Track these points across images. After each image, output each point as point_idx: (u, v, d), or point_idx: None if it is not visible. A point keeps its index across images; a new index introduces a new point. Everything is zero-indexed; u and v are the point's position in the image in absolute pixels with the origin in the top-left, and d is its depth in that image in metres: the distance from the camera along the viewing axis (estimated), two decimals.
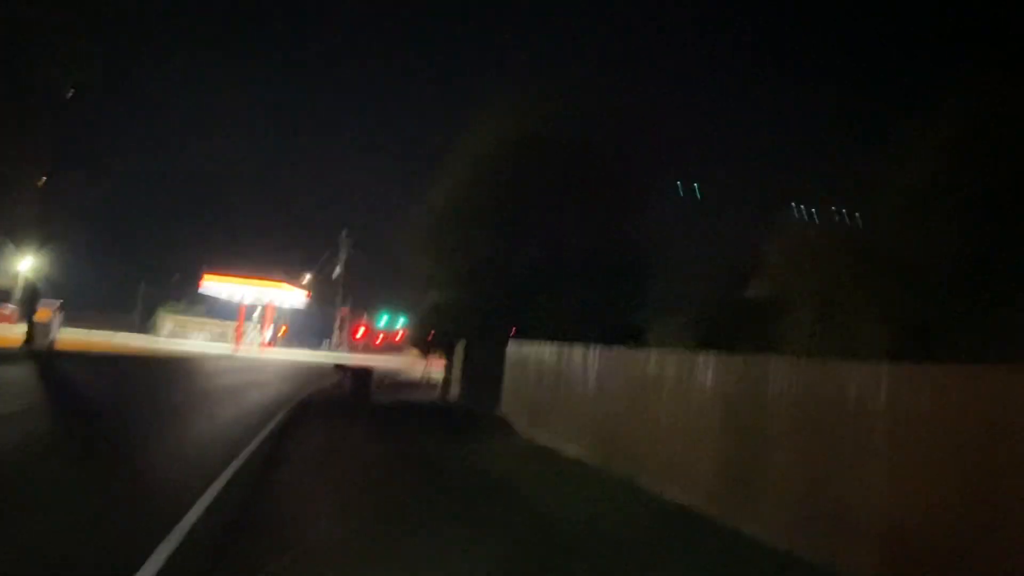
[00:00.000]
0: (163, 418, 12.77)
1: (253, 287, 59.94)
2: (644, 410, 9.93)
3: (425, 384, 27.57)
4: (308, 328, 74.09)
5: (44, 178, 26.25)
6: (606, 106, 20.48)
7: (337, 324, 72.98)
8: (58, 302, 29.40)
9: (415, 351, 32.05)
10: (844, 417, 6.43)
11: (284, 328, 72.27)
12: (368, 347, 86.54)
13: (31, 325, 26.41)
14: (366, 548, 5.94)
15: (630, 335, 16.35)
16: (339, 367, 20.25)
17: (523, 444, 13.37)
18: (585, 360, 12.13)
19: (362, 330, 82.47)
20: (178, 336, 64.11)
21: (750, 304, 13.32)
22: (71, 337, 39.24)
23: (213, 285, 59.82)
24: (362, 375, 19.13)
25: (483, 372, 18.59)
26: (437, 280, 22.29)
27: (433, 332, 23.29)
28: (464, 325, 20.71)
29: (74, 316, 64.94)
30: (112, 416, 12.48)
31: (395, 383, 27.68)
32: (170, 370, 27.60)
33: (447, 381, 23.32)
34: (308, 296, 67.93)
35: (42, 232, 26.53)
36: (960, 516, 5.26)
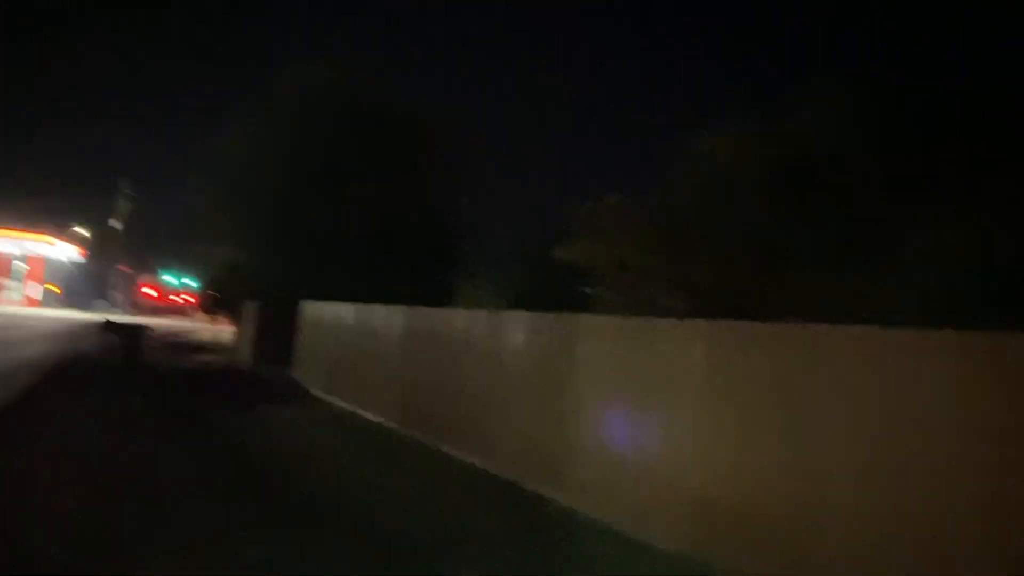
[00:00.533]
0: None
1: (15, 239, 52.90)
2: (448, 371, 9.34)
3: (214, 347, 25.45)
4: (86, 287, 67.04)
5: None
6: (422, 76, 19.90)
7: (115, 282, 66.61)
8: None
9: (205, 313, 29.66)
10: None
11: (54, 286, 64.71)
12: (156, 308, 79.84)
13: None
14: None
15: (440, 298, 15.78)
16: (108, 324, 17.80)
17: (318, 409, 12.39)
18: (388, 320, 11.34)
19: (148, 289, 75.93)
20: None
21: (559, 268, 13.13)
22: None
23: None
24: (133, 333, 17.04)
25: (277, 334, 17.25)
26: (230, 236, 20.44)
27: (222, 292, 21.39)
28: (258, 286, 19.14)
29: None
30: None
31: (180, 345, 25.30)
32: None
33: (237, 344, 21.58)
34: (83, 253, 61.20)
35: None
36: (774, 486, 5.09)
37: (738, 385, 5.49)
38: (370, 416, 11.22)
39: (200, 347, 25.25)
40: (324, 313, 14.61)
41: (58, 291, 64.97)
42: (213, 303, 24.48)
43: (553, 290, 12.76)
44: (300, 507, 6.28)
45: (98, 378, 13.71)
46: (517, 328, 8.12)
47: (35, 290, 58.04)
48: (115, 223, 64.81)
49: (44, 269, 60.70)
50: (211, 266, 22.17)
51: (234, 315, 22.39)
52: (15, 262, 58.26)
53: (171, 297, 72.02)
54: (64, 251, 58.24)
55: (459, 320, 9.45)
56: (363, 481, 7.47)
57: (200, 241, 22.66)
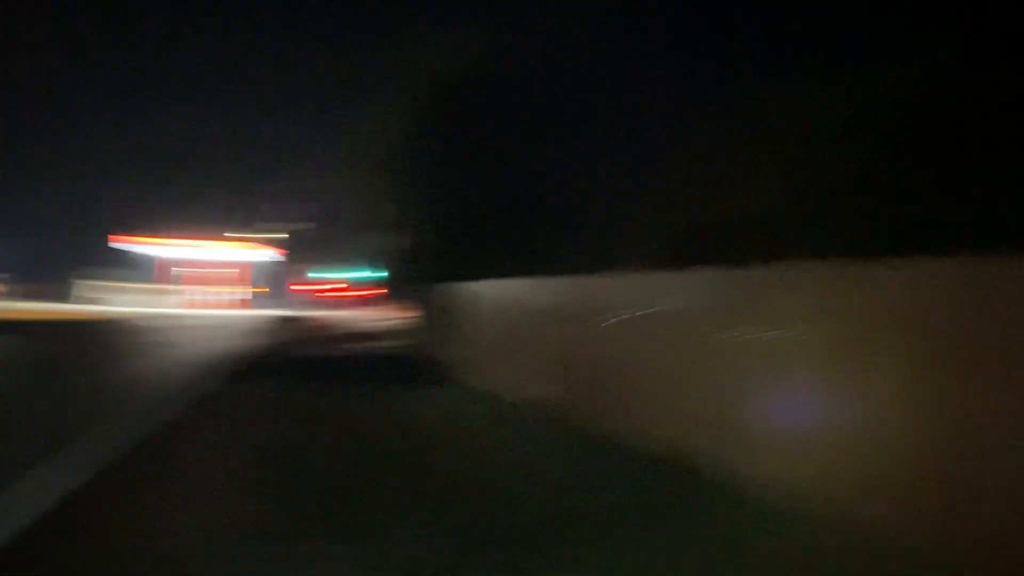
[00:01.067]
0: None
1: (226, 248, 58.02)
2: (613, 343, 8.29)
3: (387, 334, 25.98)
4: (276, 285, 72.20)
5: None
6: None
7: (293, 279, 71.02)
8: None
9: (380, 302, 30.46)
10: None
11: (261, 287, 70.30)
12: (343, 302, 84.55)
13: None
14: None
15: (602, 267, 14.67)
16: (285, 319, 17.90)
17: (479, 389, 11.76)
18: (548, 293, 10.43)
19: (336, 285, 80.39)
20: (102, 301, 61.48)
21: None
22: None
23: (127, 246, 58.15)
24: (304, 324, 17.29)
25: (442, 317, 16.99)
26: (397, 224, 20.51)
27: (394, 280, 21.50)
28: (425, 270, 19.00)
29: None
30: None
31: (355, 333, 26.11)
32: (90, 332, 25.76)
33: (408, 330, 21.71)
34: (283, 253, 65.82)
35: None
36: None
37: (973, 340, 4.08)
38: (534, 395, 10.39)
39: (374, 334, 25.84)
40: (485, 291, 13.98)
41: (266, 291, 70.61)
42: (386, 292, 24.92)
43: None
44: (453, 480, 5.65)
45: (273, 364, 13.99)
46: (690, 288, 6.93)
47: (246, 293, 63.52)
48: (307, 224, 69.19)
49: (251, 273, 66.16)
50: (383, 255, 22.40)
51: (406, 302, 22.57)
52: (227, 269, 64.04)
53: (355, 291, 75.90)
54: (266, 254, 63.18)
55: (627, 285, 8.34)
56: (521, 459, 6.66)
57: (372, 229, 23.05)
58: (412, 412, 9.70)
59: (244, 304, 60.78)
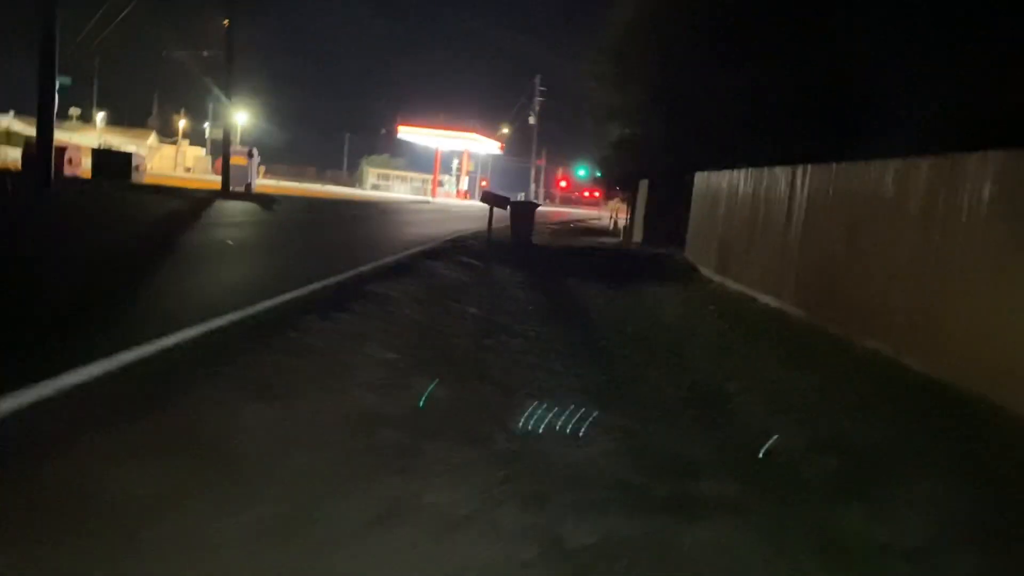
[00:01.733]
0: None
1: (448, 138, 59.36)
2: (871, 246, 7.00)
3: (608, 231, 25.29)
4: (505, 179, 73.54)
5: (225, 22, 25.84)
6: None
7: (532, 175, 71.65)
8: (248, 148, 29.77)
9: (608, 200, 29.73)
10: None
11: (485, 180, 71.99)
12: (568, 199, 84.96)
13: (226, 169, 26.60)
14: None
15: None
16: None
17: (704, 288, 10.85)
18: (792, 183, 9.14)
19: (563, 182, 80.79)
20: (381, 187, 66.24)
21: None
22: (272, 184, 40.91)
23: (409, 135, 59.91)
24: (524, 209, 16.94)
25: (667, 212, 15.96)
26: (618, 111, 19.39)
27: (617, 175, 20.65)
28: (647, 161, 17.91)
29: (282, 170, 69.89)
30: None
31: (579, 229, 25.69)
32: (363, 210, 27.32)
33: (630, 225, 20.84)
34: (502, 147, 66.74)
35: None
36: None
37: None
38: (768, 301, 9.33)
39: (595, 231, 25.31)
40: (715, 183, 12.78)
41: (484, 183, 72.37)
42: (610, 187, 24.16)
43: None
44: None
45: (488, 253, 13.83)
46: (977, 175, 5.49)
47: (465, 184, 65.24)
48: (530, 118, 69.24)
49: (471, 164, 67.68)
50: (602, 146, 21.53)
51: (627, 197, 21.69)
52: (451, 159, 65.93)
53: (582, 189, 75.70)
54: (487, 146, 64.05)
55: (893, 175, 6.93)
56: (751, 371, 5.78)
57: (592, 119, 22.14)
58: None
59: (462, 195, 62.55)
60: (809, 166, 8.76)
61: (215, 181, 28.57)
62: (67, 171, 22.73)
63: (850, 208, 7.64)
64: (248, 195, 25.91)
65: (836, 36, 14.42)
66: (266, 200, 23.62)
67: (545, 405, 3.97)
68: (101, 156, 26.08)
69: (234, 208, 19.08)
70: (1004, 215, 5.22)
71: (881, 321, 6.61)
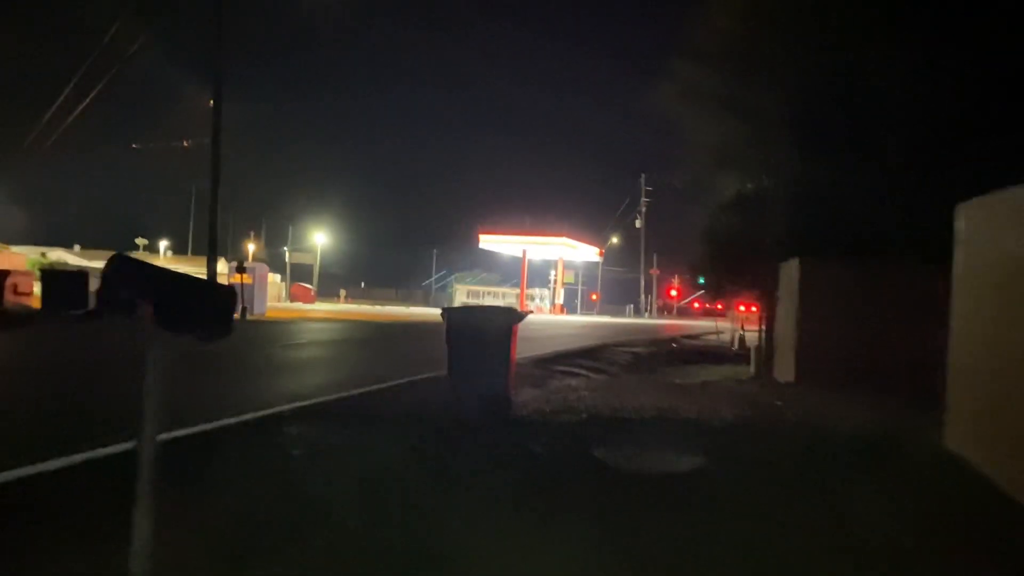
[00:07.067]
0: None
1: (537, 244, 50.64)
2: None
3: (735, 353, 16.49)
4: (614, 291, 65.58)
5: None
6: None
7: (643, 285, 63.36)
8: (251, 264, 23.93)
9: (727, 311, 21.36)
10: None
11: (595, 295, 64.17)
12: (684, 310, 74.71)
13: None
14: None
15: None
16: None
17: None
18: None
19: (673, 291, 71.23)
20: (470, 304, 59.39)
21: None
22: (325, 308, 35.12)
23: (492, 243, 51.97)
24: (483, 327, 8.78)
25: (852, 323, 7.62)
26: (739, 155, 11.33)
27: (726, 251, 11.93)
28: (794, 228, 9.70)
29: (357, 292, 65.69)
30: None
31: (679, 354, 17.10)
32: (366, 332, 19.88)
33: (767, 346, 11.86)
34: (600, 253, 58.71)
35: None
36: None
37: None
38: None
39: (708, 354, 16.78)
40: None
41: (595, 297, 64.27)
42: (718, 288, 15.88)
43: None
44: None
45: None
46: None
47: (560, 296, 56.52)
48: (637, 222, 61.74)
49: (568, 274, 59.50)
50: (713, 215, 13.03)
51: (759, 293, 12.98)
52: (546, 269, 57.99)
53: (693, 300, 66.11)
54: (584, 253, 55.79)
55: None
56: None
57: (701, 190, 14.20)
58: None
59: (557, 309, 54.04)
60: None
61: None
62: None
63: None
64: (239, 321, 19.17)
65: None
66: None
67: None
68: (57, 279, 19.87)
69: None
70: None
71: None
